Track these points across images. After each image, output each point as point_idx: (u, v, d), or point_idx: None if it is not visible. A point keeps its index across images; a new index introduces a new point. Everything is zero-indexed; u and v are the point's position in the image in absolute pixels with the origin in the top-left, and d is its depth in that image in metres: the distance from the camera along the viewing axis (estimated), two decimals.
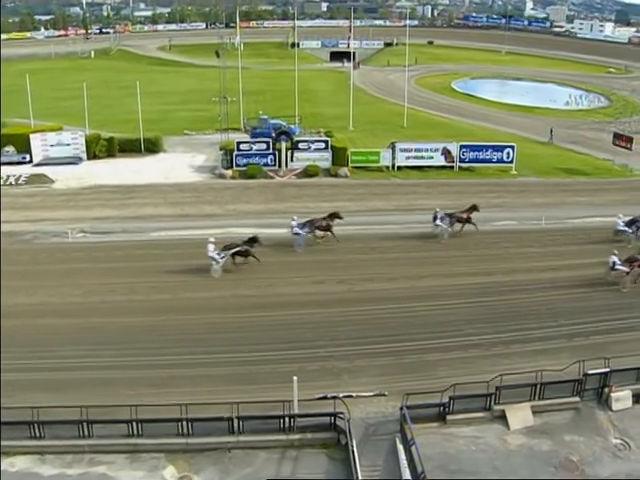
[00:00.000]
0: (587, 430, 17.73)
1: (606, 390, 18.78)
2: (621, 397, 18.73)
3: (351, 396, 17.71)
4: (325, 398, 17.44)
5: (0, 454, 15.82)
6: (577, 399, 18.59)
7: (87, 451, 16.29)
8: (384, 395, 18.11)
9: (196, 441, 16.48)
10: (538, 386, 18.15)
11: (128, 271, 25.50)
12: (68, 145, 40.14)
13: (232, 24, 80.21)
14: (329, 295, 23.88)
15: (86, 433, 16.36)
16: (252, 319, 22.08)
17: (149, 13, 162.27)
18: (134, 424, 16.33)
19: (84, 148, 40.22)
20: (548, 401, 18.32)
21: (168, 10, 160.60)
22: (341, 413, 16.57)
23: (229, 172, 37.14)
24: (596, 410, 18.53)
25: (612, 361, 18.88)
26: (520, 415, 17.89)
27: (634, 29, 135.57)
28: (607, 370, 18.75)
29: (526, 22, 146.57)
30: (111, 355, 19.82)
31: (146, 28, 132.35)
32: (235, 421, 16.51)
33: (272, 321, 21.98)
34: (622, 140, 43.89)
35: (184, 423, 16.41)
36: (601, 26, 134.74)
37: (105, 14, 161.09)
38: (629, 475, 16.22)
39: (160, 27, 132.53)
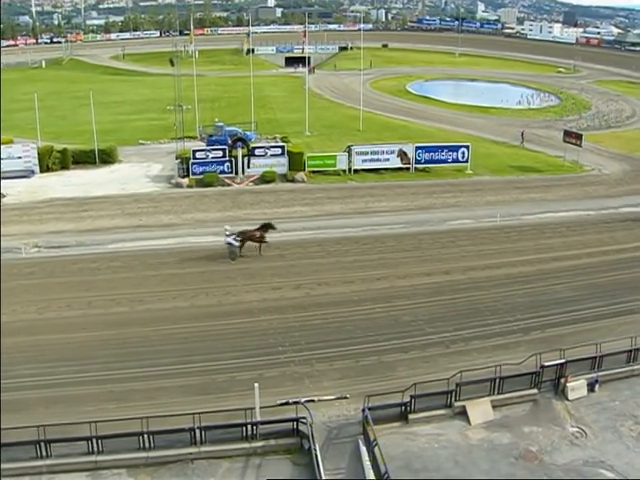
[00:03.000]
0: (545, 420, 18.18)
1: (562, 381, 19.29)
2: (576, 386, 19.26)
3: (313, 400, 17.74)
4: (287, 404, 17.44)
5: None
6: (535, 391, 19.04)
7: (45, 472, 15.90)
8: (346, 398, 18.19)
9: (158, 454, 16.26)
10: (497, 380, 18.51)
11: (85, 285, 25.05)
12: (19, 158, 39.21)
13: (186, 32, 79.64)
14: (287, 301, 23.87)
15: (44, 453, 15.98)
16: (211, 328, 21.93)
17: (101, 22, 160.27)
18: (94, 441, 16.02)
19: (36, 161, 39.35)
20: (507, 395, 18.70)
21: (121, 19, 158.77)
22: (303, 418, 16.59)
23: (185, 181, 36.85)
24: (553, 400, 19.01)
25: (567, 352, 19.42)
26: (480, 410, 18.19)
27: (581, 30, 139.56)
28: (562, 361, 19.27)
29: (478, 24, 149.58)
30: (69, 372, 19.42)
31: (99, 37, 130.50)
32: (197, 432, 16.36)
33: (231, 329, 21.87)
34: (572, 137, 45.04)
35: (145, 437, 16.18)
36: (550, 27, 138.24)
37: (56, 23, 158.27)
38: (586, 462, 16.69)
39: (113, 36, 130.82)
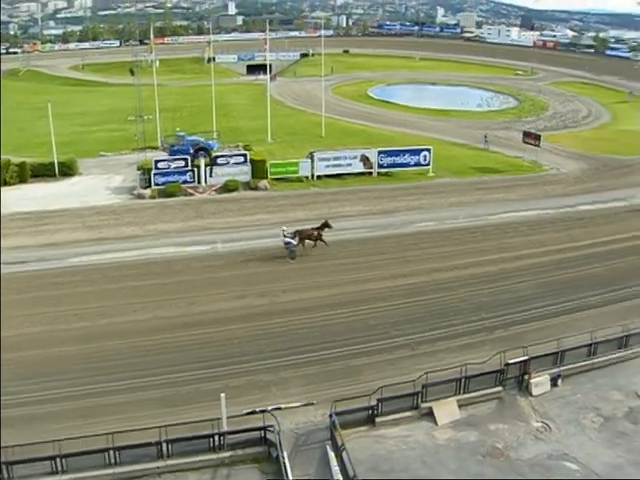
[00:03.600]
0: (510, 417, 18.52)
1: (526, 377, 19.63)
2: (540, 382, 19.67)
3: (280, 408, 17.73)
4: (254, 412, 17.39)
5: None
6: (500, 388, 19.37)
7: None
8: (312, 404, 18.22)
9: (124, 470, 16.06)
10: (463, 380, 18.80)
11: (46, 300, 24.55)
12: None
13: (146, 41, 78.94)
14: (252, 309, 23.79)
15: (5, 475, 15.60)
16: (175, 339, 21.71)
17: (59, 31, 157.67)
18: (58, 460, 15.71)
19: None
20: (473, 393, 19.00)
21: (80, 28, 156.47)
22: (271, 426, 16.56)
23: (148, 192, 36.46)
24: (518, 397, 19.40)
25: (530, 349, 19.81)
26: (447, 410, 18.41)
27: (538, 33, 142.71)
28: (526, 358, 19.65)
29: (438, 28, 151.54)
30: (32, 390, 19.01)
31: (57, 47, 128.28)
32: (163, 445, 16.19)
33: (196, 340, 21.70)
34: (531, 138, 45.95)
35: (111, 452, 15.95)
36: (508, 31, 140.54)
37: (12, 33, 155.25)
38: (550, 455, 17.06)
39: (72, 46, 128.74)
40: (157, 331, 22.26)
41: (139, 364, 20.32)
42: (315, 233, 28.77)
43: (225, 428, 16.60)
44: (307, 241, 28.73)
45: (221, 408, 16.46)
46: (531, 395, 19.45)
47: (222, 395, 16.43)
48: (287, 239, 27.99)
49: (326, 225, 29.01)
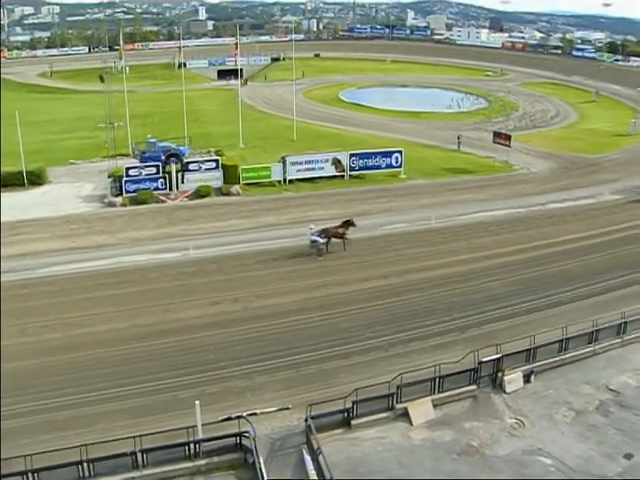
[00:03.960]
0: (485, 415, 18.74)
1: (499, 375, 19.88)
2: (513, 379, 19.93)
3: (255, 414, 17.69)
4: (229, 419, 17.31)
5: None
6: (474, 387, 19.59)
7: None
8: (288, 409, 18.21)
9: None
10: (437, 380, 18.95)
11: (17, 312, 24.07)
12: None
13: (116, 47, 78.19)
14: (226, 315, 23.71)
15: None
16: (150, 348, 21.56)
17: (26, 38, 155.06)
18: (29, 475, 15.43)
19: None
20: (447, 393, 19.18)
21: (47, 34, 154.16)
22: (246, 432, 16.49)
23: (119, 199, 36.13)
24: (491, 395, 19.64)
25: (503, 346, 20.08)
26: (422, 410, 18.55)
27: (507, 35, 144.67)
28: (499, 356, 19.89)
29: (408, 31, 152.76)
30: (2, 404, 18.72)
31: (24, 54, 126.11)
32: (138, 455, 16.04)
33: (170, 348, 21.56)
34: (501, 138, 46.60)
35: (84, 465, 15.73)
36: (477, 33, 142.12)
37: None
38: (525, 451, 17.32)
39: (39, 52, 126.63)
40: (132, 340, 22.06)
41: (113, 374, 20.09)
42: (340, 231, 29.37)
43: (200, 435, 16.52)
44: (333, 239, 29.36)
45: (196, 415, 16.38)
46: (505, 392, 19.71)
47: (197, 402, 16.36)
48: (314, 237, 28.56)
49: (350, 224, 29.58)
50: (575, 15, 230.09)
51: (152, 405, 18.63)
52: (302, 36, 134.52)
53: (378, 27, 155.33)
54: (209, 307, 24.32)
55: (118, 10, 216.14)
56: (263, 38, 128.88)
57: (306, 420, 17.03)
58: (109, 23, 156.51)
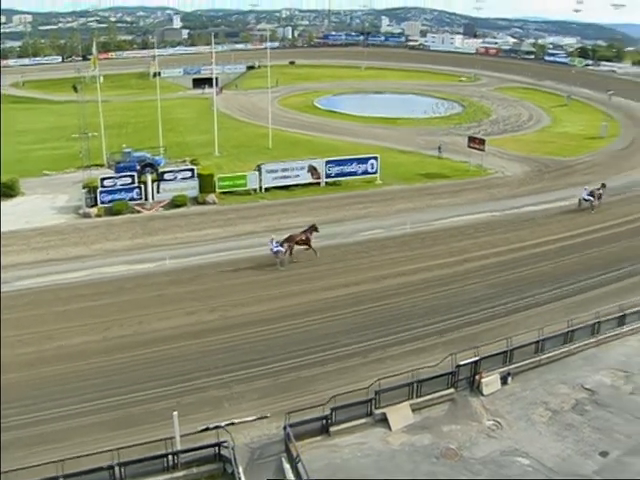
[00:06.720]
0: (463, 417, 18.85)
1: (477, 377, 20.01)
2: (490, 381, 20.10)
3: (233, 423, 17.59)
4: (208, 429, 17.20)
5: None
6: (452, 390, 19.69)
7: None
8: (266, 417, 18.13)
9: None
10: (415, 384, 19.03)
11: None
12: None
13: (89, 56, 77.56)
14: (202, 325, 23.55)
15: None
16: (126, 360, 21.31)
17: None
18: None
19: None
20: (426, 397, 19.26)
21: (19, 44, 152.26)
22: (225, 442, 16.39)
23: (94, 210, 35.73)
24: (469, 397, 19.75)
25: (481, 349, 20.29)
26: (400, 415, 18.59)
27: (480, 40, 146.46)
28: (477, 359, 20.04)
29: (383, 38, 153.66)
30: None
31: None
32: (116, 468, 15.83)
33: (146, 359, 21.32)
34: (476, 142, 47.09)
35: None
36: (451, 39, 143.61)
37: None
38: (503, 452, 17.46)
39: (11, 62, 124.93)
40: (107, 352, 21.77)
41: (88, 387, 19.81)
42: (304, 237, 29.28)
43: (179, 447, 16.37)
44: (296, 246, 29.22)
45: (174, 427, 16.23)
46: (482, 394, 19.85)
47: (175, 414, 16.21)
48: (275, 248, 28.29)
49: (314, 229, 29.60)
50: (547, 21, 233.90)
51: (129, 418, 18.42)
52: (277, 44, 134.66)
53: (353, 34, 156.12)
54: (185, 317, 24.10)
55: (91, 19, 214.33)
56: (238, 46, 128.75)
57: (285, 428, 16.95)
58: (82, 32, 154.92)
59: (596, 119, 65.30)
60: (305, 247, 29.47)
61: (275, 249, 28.30)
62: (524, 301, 25.65)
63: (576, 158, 50.00)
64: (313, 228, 29.67)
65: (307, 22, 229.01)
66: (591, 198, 37.15)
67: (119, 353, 21.69)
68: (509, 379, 20.44)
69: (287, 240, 28.77)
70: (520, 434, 18.10)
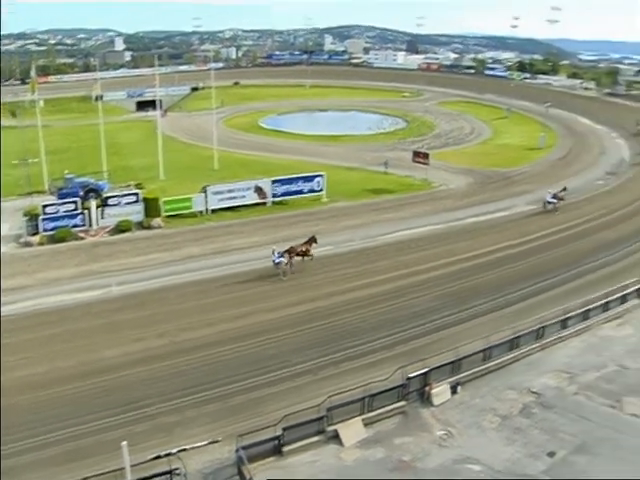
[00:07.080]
0: (414, 429, 19.16)
1: (427, 388, 20.35)
2: (440, 392, 20.50)
3: (185, 449, 17.31)
4: (159, 457, 16.88)
5: None
6: (403, 403, 19.98)
7: None
8: (218, 441, 17.94)
9: None
10: (366, 399, 19.21)
11: None
12: None
13: (28, 80, 75.82)
14: (151, 351, 23.20)
15: None
16: (72, 391, 20.78)
17: None
18: None
19: None
20: (377, 411, 19.46)
21: None
22: (177, 469, 16.17)
23: (36, 239, 34.78)
24: (420, 409, 20.09)
25: (429, 360, 20.65)
26: (352, 430, 18.74)
27: (422, 56, 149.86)
28: (426, 370, 20.38)
29: (327, 56, 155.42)
30: None
31: None
32: None
33: (95, 389, 20.87)
34: (420, 157, 48.13)
35: None
36: (394, 55, 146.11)
37: None
38: (455, 460, 17.83)
39: None
40: (52, 384, 21.16)
41: (32, 422, 19.19)
42: (304, 249, 30.51)
43: (129, 478, 16.02)
44: (296, 257, 30.18)
45: (124, 457, 15.90)
46: (433, 405, 20.21)
47: (124, 443, 15.83)
48: (277, 259, 29.30)
49: (313, 241, 30.89)
50: (486, 37, 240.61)
51: (78, 450, 17.97)
52: (221, 64, 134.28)
53: (297, 53, 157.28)
54: (133, 344, 23.68)
55: (30, 42, 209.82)
56: (182, 68, 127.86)
57: (237, 451, 16.86)
58: (21, 55, 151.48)
59: (535, 130, 67.60)
60: (309, 257, 30.78)
61: (277, 260, 29.31)
62: (468, 311, 26.31)
63: (517, 169, 51.65)
64: (313, 240, 30.87)
65: (251, 42, 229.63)
66: (554, 201, 39.53)
67: (65, 384, 21.12)
68: (458, 388, 20.88)
69: (288, 251, 29.71)
70: (471, 442, 18.49)
